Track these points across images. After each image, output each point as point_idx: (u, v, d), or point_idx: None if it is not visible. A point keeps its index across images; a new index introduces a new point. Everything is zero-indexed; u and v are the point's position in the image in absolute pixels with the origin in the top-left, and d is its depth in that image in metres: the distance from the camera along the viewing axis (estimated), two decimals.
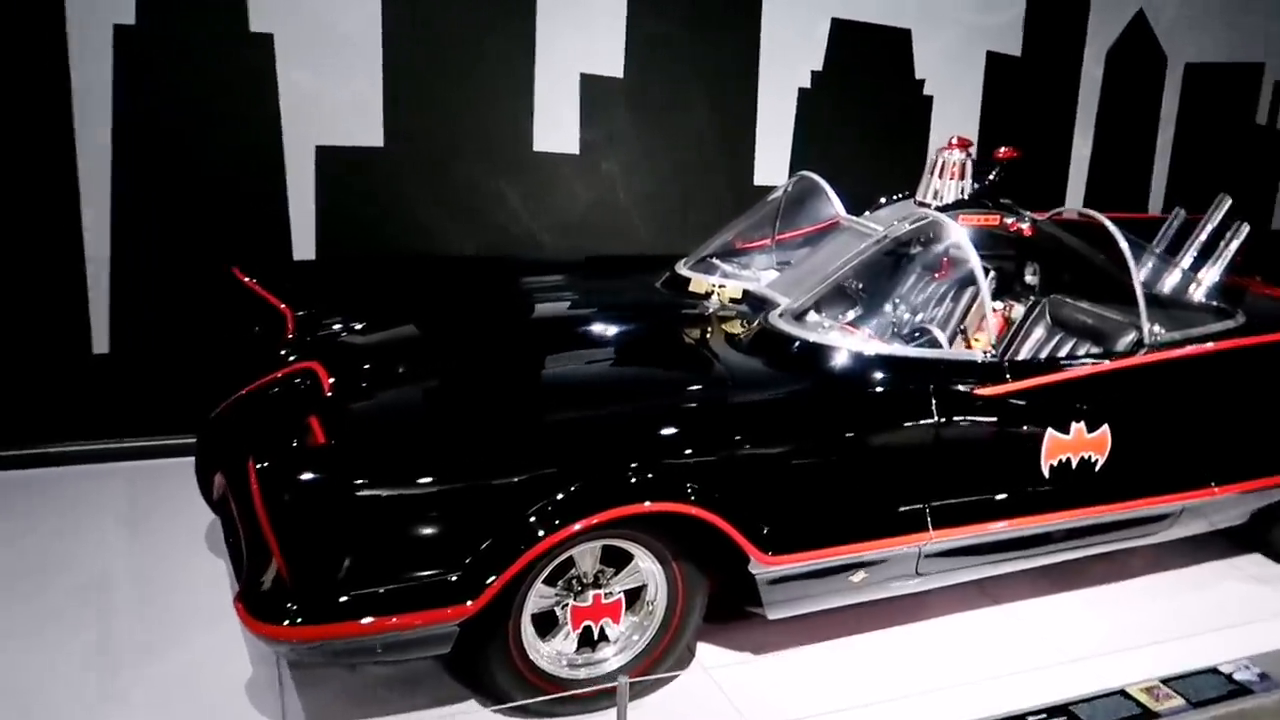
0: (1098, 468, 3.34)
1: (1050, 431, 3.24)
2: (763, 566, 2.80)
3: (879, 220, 3.94)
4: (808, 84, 5.46)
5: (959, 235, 3.49)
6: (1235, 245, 4.49)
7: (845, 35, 5.46)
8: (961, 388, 3.17)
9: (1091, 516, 3.36)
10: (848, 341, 3.26)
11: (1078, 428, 3.28)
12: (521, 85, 4.80)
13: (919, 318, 4.15)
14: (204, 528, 3.70)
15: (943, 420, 3.07)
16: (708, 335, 3.54)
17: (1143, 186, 6.74)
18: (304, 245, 4.57)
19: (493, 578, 2.46)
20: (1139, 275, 3.69)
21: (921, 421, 3.06)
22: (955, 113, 5.91)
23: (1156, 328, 3.64)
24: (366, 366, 3.15)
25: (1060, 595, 3.66)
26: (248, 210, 4.46)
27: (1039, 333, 4.06)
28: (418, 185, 4.70)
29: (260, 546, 2.55)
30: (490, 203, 4.87)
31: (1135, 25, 6.36)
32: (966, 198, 3.91)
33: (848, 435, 3.02)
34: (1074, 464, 3.30)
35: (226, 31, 4.25)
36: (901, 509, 3.05)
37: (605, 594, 2.80)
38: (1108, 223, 3.82)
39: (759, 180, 5.47)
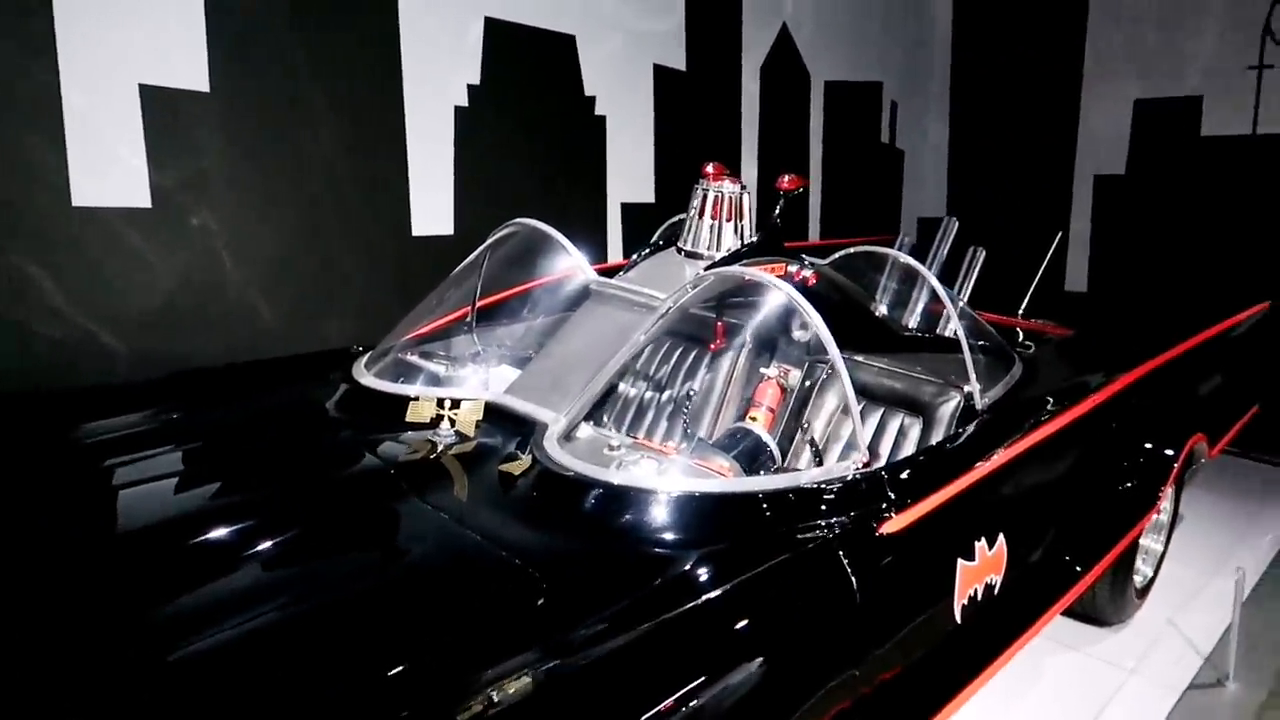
0: (996, 592, 2.52)
1: (960, 562, 2.35)
2: None
3: (646, 280, 2.83)
4: (464, 101, 4.21)
5: (787, 294, 2.47)
6: (976, 272, 4.09)
7: (504, 40, 4.30)
8: (854, 527, 2.15)
9: (1004, 660, 2.53)
10: (677, 479, 2.09)
11: (980, 546, 2.43)
12: (40, 103, 2.98)
13: (690, 405, 3.13)
14: None
15: (858, 584, 2.02)
16: (459, 496, 2.15)
17: (802, 209, 6.42)
18: None
19: None
20: (958, 322, 2.97)
21: (836, 594, 1.98)
22: (631, 135, 5.02)
23: (979, 386, 2.95)
24: None
25: None
26: None
27: (833, 403, 3.21)
28: None
29: None
30: (11, 296, 2.96)
31: (781, 41, 5.98)
32: (753, 241, 2.96)
33: (735, 642, 1.83)
34: (980, 595, 2.44)
35: None
36: None
37: None
38: (913, 261, 3.09)
39: (420, 228, 4.10)
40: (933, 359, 3.05)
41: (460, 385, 2.67)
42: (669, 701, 1.60)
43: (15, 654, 1.54)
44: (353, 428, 2.46)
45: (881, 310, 3.54)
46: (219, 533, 1.87)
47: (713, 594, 1.82)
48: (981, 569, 2.41)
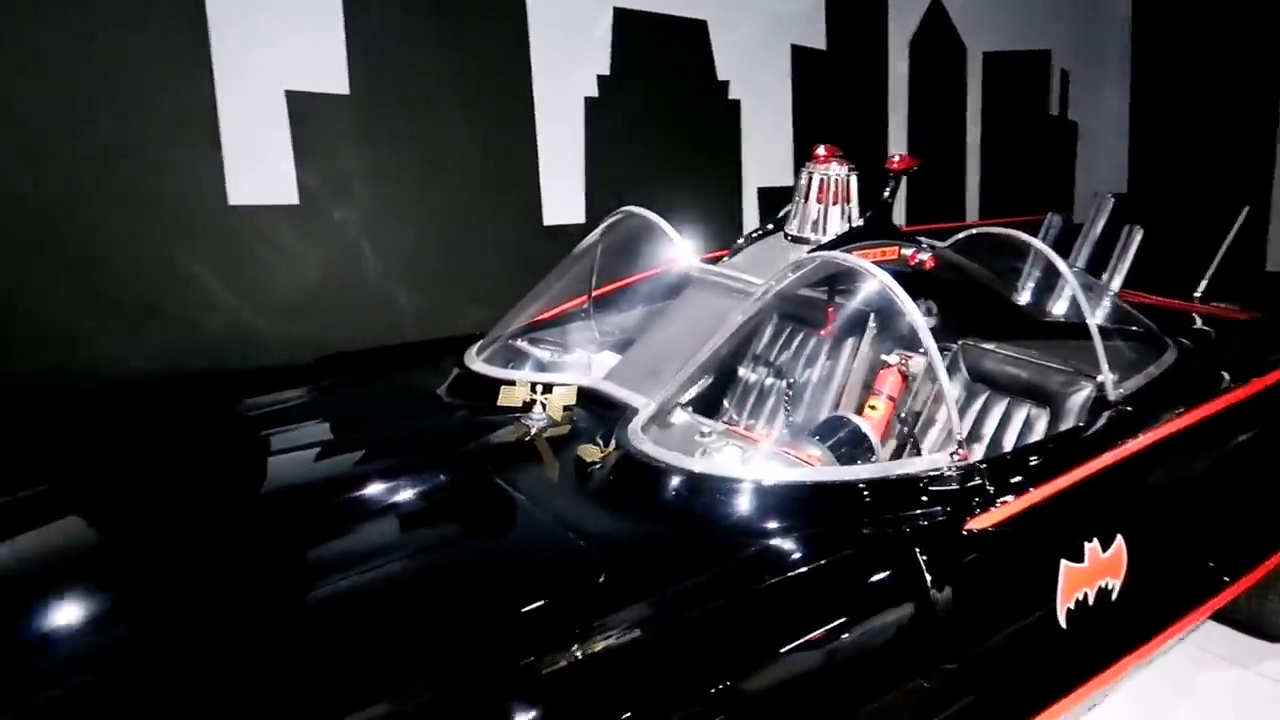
0: (1114, 597, 2.35)
1: (1064, 563, 2.20)
2: None
3: (750, 266, 2.80)
4: (594, 91, 4.29)
5: (881, 280, 2.38)
6: (1132, 253, 3.78)
7: (633, 30, 4.34)
8: (939, 521, 2.06)
9: (1117, 671, 2.35)
10: (759, 467, 2.07)
11: (1091, 548, 2.26)
12: (198, 113, 3.28)
13: (802, 395, 3.06)
14: None
15: (936, 584, 1.94)
16: (541, 480, 2.22)
17: (958, 187, 6.13)
18: None
19: None
20: (1086, 305, 2.77)
21: (909, 594, 1.91)
22: (767, 118, 4.95)
23: (1114, 375, 2.74)
24: None
25: None
26: None
27: (955, 393, 3.07)
28: (42, 271, 3.05)
29: None
30: (170, 288, 3.29)
31: (933, 13, 5.72)
32: (859, 225, 2.86)
33: (804, 639, 1.80)
34: (1092, 600, 2.28)
35: None
36: None
37: None
38: (1027, 238, 2.89)
39: (551, 218, 4.22)
40: (1068, 346, 2.86)
41: (562, 371, 2.74)
42: (710, 688, 1.61)
43: (186, 594, 1.76)
44: (455, 410, 2.59)
45: (1024, 295, 3.35)
46: (346, 504, 2.03)
47: (765, 584, 1.80)
48: (1092, 572, 2.25)
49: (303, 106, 3.46)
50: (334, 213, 3.61)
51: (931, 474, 2.15)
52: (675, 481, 2.06)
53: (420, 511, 2.05)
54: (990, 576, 2.06)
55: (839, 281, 2.90)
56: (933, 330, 3.18)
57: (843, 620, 1.82)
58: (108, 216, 3.13)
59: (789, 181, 5.10)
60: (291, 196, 3.49)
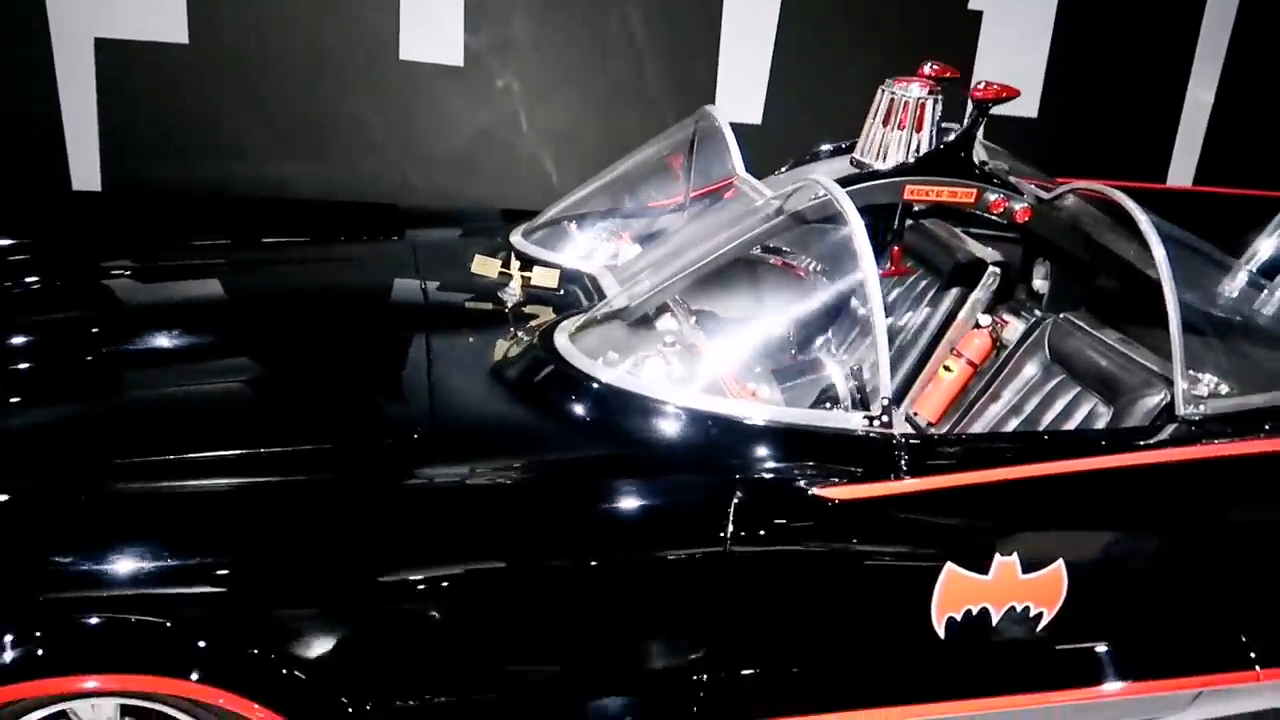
0: (1039, 626, 2.01)
1: (951, 567, 1.92)
2: None
3: (779, 184, 2.62)
4: None
5: (852, 224, 2.12)
6: None
7: None
8: (788, 478, 1.89)
9: (1027, 702, 2.03)
10: (660, 386, 2.00)
11: (1004, 563, 1.94)
12: None
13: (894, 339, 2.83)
14: None
15: (738, 538, 1.80)
16: (461, 345, 2.32)
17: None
18: (85, 172, 3.57)
19: None
20: (1171, 291, 2.26)
21: (702, 537, 1.80)
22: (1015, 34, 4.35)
23: (1208, 384, 2.24)
24: None
25: None
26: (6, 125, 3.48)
27: (1030, 370, 2.68)
28: (236, 100, 3.61)
29: None
30: (340, 128, 3.74)
31: None
32: (919, 157, 2.54)
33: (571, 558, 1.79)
34: (997, 619, 1.97)
35: None
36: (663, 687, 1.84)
37: None
38: (1130, 205, 2.36)
39: (722, 114, 4.10)
40: (1200, 344, 2.36)
41: (587, 258, 2.77)
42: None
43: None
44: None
45: (1161, 274, 2.78)
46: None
47: (566, 484, 1.84)
48: (1000, 589, 1.95)
49: None
50: (496, 80, 3.82)
51: (839, 433, 1.97)
52: (558, 378, 2.04)
53: (339, 341, 2.27)
54: (826, 549, 1.87)
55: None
56: (1043, 296, 2.83)
57: (628, 538, 1.80)
58: (298, 66, 3.61)
59: (1032, 113, 4.51)
60: (457, 59, 3.76)
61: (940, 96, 2.55)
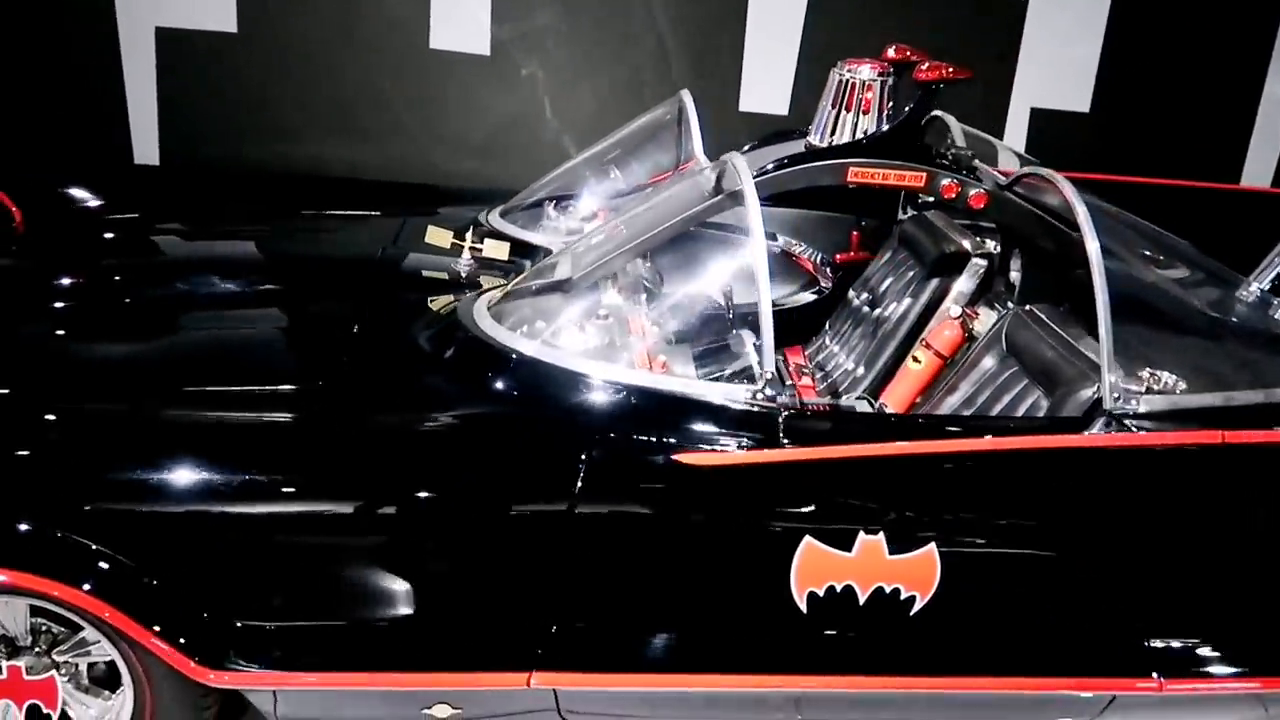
0: (912, 610, 1.97)
1: (810, 541, 1.92)
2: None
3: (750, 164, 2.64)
4: None
5: (749, 202, 2.13)
6: None
7: None
8: (652, 443, 1.93)
9: (888, 684, 2.00)
10: (567, 356, 2.08)
11: (869, 542, 1.92)
12: None
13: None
14: None
15: (586, 495, 1.86)
16: (399, 306, 2.47)
17: None
18: (146, 147, 3.93)
19: None
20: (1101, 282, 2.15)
21: (553, 492, 1.88)
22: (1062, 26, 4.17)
23: (1155, 381, 2.13)
24: None
25: None
26: (79, 104, 3.87)
27: (988, 363, 2.60)
28: (280, 84, 3.90)
29: None
30: (372, 112, 3.97)
31: None
32: (859, 139, 2.52)
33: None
34: (864, 598, 1.95)
35: None
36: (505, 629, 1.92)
37: (30, 667, 1.95)
38: (1070, 193, 2.25)
39: (748, 105, 4.14)
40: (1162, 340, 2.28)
41: (556, 235, 2.87)
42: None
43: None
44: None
45: (1091, 264, 2.65)
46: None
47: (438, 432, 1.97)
48: (865, 568, 1.94)
49: None
50: (521, 69, 3.97)
51: (723, 404, 2.00)
52: (468, 343, 2.16)
53: (294, 299, 2.48)
54: (677, 513, 1.91)
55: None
56: (1014, 289, 2.76)
57: (478, 486, 1.91)
58: (336, 52, 3.87)
59: (1083, 107, 4.31)
60: (484, 48, 3.93)
61: (890, 79, 2.53)
